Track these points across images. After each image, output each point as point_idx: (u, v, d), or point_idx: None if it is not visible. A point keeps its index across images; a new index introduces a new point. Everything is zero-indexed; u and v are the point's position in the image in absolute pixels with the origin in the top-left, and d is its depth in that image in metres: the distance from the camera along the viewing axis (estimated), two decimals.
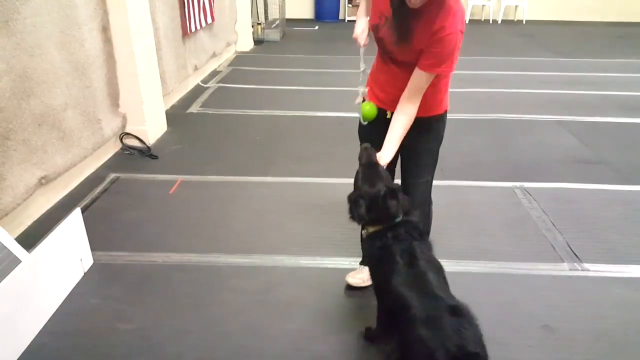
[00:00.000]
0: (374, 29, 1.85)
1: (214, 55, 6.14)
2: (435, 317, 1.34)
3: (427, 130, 1.93)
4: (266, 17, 8.86)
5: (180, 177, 3.29)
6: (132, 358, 1.82)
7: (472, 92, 5.41)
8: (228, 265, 2.37)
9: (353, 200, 1.65)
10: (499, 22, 10.74)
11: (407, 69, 1.78)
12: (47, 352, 1.84)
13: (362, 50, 1.96)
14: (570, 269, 2.39)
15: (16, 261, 1.95)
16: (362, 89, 2.02)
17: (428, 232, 2.08)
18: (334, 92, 5.40)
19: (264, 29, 8.45)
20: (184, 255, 2.43)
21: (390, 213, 1.62)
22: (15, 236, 2.43)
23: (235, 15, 7.22)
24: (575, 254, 2.49)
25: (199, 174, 3.35)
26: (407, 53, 1.76)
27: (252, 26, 8.03)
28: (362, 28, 1.91)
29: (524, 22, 10.62)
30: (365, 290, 2.15)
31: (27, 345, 1.85)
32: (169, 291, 2.19)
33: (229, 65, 6.65)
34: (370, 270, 1.75)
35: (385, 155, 1.78)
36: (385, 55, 1.88)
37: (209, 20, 5.61)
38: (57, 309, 2.04)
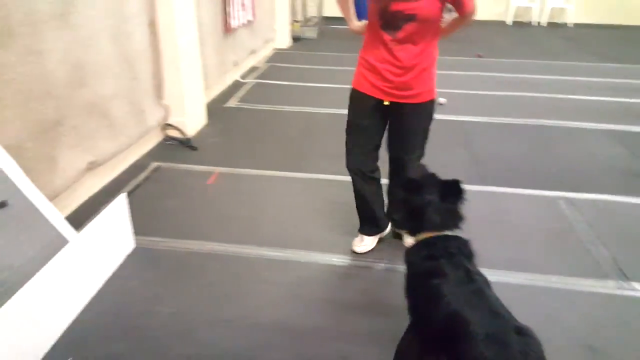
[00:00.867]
0: (382, 10, 1.99)
1: (253, 51, 6.26)
2: (499, 335, 1.21)
3: (426, 113, 2.19)
4: (304, 15, 8.94)
5: (217, 169, 3.39)
6: (168, 340, 1.91)
7: (514, 95, 5.32)
8: (261, 258, 2.44)
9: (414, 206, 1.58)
10: (544, 24, 10.46)
11: (407, 47, 2.02)
12: (89, 328, 1.95)
13: None
14: (617, 287, 2.26)
15: (64, 241, 2.08)
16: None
17: None
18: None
19: (301, 26, 8.53)
20: (219, 245, 2.52)
21: (455, 220, 1.56)
22: (64, 217, 2.57)
23: (274, 13, 7.32)
24: (622, 272, 2.36)
25: (235, 167, 3.44)
26: (428, 4, 1.93)
27: (290, 24, 8.13)
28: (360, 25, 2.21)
29: (570, 25, 10.30)
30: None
31: (71, 321, 1.97)
32: (203, 279, 2.27)
33: (267, 61, 6.76)
34: (409, 284, 1.58)
35: None
36: (389, 35, 2.02)
37: (249, 17, 5.72)
38: (100, 289, 2.16)
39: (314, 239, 2.60)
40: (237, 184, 3.22)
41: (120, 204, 2.30)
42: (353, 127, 2.29)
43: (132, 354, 1.85)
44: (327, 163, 3.54)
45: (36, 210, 2.02)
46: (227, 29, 5.06)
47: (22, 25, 2.21)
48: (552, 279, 2.32)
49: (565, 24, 10.43)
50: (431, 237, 1.54)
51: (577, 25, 10.27)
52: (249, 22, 5.77)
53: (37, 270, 1.80)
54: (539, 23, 10.53)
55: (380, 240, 2.53)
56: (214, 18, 4.64)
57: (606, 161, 3.68)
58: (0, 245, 1.81)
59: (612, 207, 3.00)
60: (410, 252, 1.60)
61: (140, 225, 2.54)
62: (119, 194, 2.92)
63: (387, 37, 2.03)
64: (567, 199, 3.06)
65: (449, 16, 2.10)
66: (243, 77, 5.84)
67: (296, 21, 8.49)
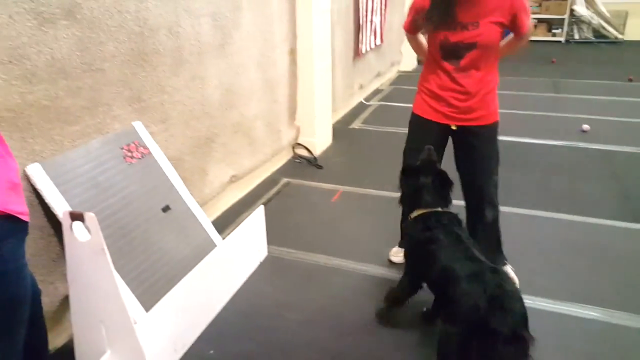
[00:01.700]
0: (442, 42, 2.07)
1: (378, 74, 6.43)
2: (477, 274, 1.55)
3: (492, 135, 2.23)
4: None
5: (341, 188, 3.55)
6: (294, 346, 2.05)
7: None
8: (383, 277, 2.50)
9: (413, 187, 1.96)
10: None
11: (470, 74, 2.08)
12: (227, 325, 2.18)
13: None
14: None
15: (212, 245, 2.35)
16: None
17: (499, 230, 2.37)
18: (502, 114, 5.19)
19: None
20: (343, 261, 2.64)
21: (446, 200, 1.93)
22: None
23: (402, 36, 7.43)
24: None
25: (358, 186, 3.56)
26: (488, 29, 1.99)
27: None
28: None
29: None
30: None
31: (213, 318, 2.21)
32: (328, 291, 2.40)
33: (391, 84, 6.87)
34: (410, 250, 2.00)
35: None
36: (452, 65, 2.09)
37: (378, 42, 5.90)
38: (237, 291, 2.39)
39: None
40: (360, 202, 3.34)
41: (258, 215, 2.54)
42: (412, 152, 2.27)
43: (262, 353, 2.02)
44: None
45: (192, 215, 2.33)
46: (357, 54, 5.29)
47: (191, 54, 2.59)
48: None
49: None
50: (425, 213, 1.89)
51: None
52: (377, 46, 5.96)
53: (191, 267, 2.07)
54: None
55: None
56: (345, 44, 4.89)
57: None
58: (165, 242, 2.12)
59: None
60: (410, 226, 1.94)
61: (272, 235, 2.75)
62: (254, 205, 3.22)
63: (449, 66, 2.10)
64: None
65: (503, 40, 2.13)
66: (367, 99, 6.02)
67: None
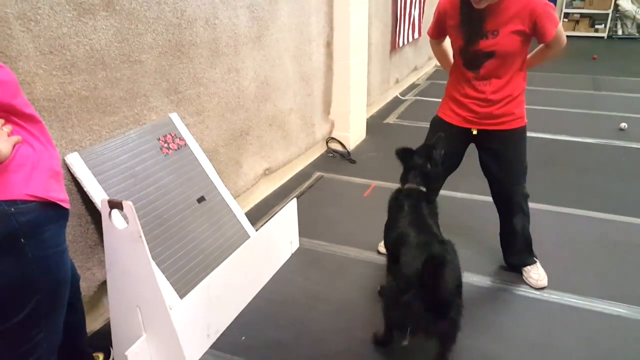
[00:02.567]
0: (462, 50, 2.07)
1: (415, 69, 6.32)
2: (426, 243, 1.73)
3: (517, 140, 2.19)
4: None
5: (374, 182, 3.51)
6: (325, 335, 2.05)
7: None
8: None
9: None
10: None
11: (491, 82, 2.07)
12: (259, 313, 2.19)
13: None
14: None
15: (245, 235, 2.37)
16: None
17: (528, 232, 2.35)
18: (540, 111, 5.06)
19: None
20: (373, 254, 2.61)
21: (427, 181, 2.04)
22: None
23: None
24: None
25: (391, 181, 3.48)
26: (506, 38, 1.96)
27: None
28: None
29: None
30: None
31: (246, 304, 2.23)
32: (359, 283, 2.38)
33: (428, 79, 6.75)
34: (388, 215, 2.10)
35: None
36: (472, 73, 2.09)
37: (416, 35, 5.79)
38: (269, 280, 2.40)
39: (465, 256, 2.54)
40: None
41: (291, 207, 2.54)
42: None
43: (293, 342, 2.02)
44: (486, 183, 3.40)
45: (226, 206, 2.35)
46: (395, 48, 5.21)
47: (227, 46, 2.61)
48: None
49: None
50: (407, 188, 2.04)
51: None
52: (415, 39, 5.85)
53: (224, 257, 2.09)
54: None
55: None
56: (382, 37, 4.83)
57: None
58: (199, 232, 2.15)
59: None
60: (391, 196, 2.12)
61: (304, 228, 2.75)
62: (287, 198, 3.23)
63: (470, 74, 2.10)
64: None
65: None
66: (403, 94, 5.93)
67: None
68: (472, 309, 2.18)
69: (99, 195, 1.80)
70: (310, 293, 2.32)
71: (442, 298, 1.56)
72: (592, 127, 4.57)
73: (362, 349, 1.97)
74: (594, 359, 1.93)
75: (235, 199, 2.52)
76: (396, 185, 3.48)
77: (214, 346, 2.00)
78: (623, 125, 4.49)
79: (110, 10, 1.87)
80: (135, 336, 1.66)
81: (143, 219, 1.92)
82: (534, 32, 1.96)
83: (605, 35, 9.93)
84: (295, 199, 2.63)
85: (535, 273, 2.34)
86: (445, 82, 2.33)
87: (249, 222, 2.44)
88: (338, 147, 4.13)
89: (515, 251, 2.39)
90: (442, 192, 3.27)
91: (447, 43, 2.29)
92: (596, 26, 9.99)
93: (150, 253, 1.79)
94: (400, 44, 5.34)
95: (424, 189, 2.02)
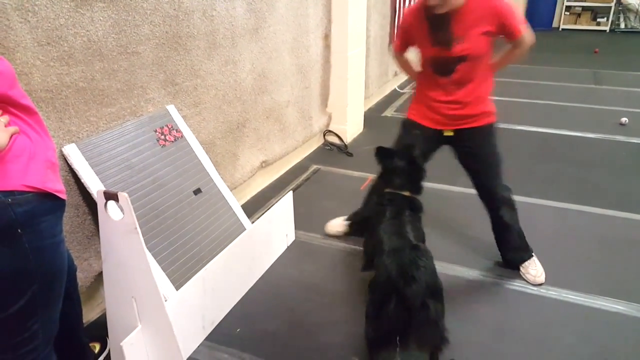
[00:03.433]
0: (432, 59, 2.09)
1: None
2: (397, 249, 1.72)
3: (489, 135, 2.22)
4: None
5: (370, 176, 3.51)
6: (319, 327, 2.08)
7: None
8: None
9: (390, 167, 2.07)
10: None
11: (463, 86, 2.09)
12: (254, 305, 2.21)
13: None
14: None
15: (241, 228, 2.38)
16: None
17: (518, 225, 2.35)
18: (540, 105, 5.07)
19: None
20: None
21: (415, 185, 2.04)
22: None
23: None
24: None
25: None
26: (475, 40, 1.98)
27: None
28: None
29: None
30: None
31: (241, 296, 2.25)
32: (354, 276, 2.40)
33: None
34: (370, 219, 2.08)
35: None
36: (444, 78, 2.10)
37: None
38: (265, 272, 2.42)
39: (463, 253, 2.56)
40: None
41: (287, 200, 2.55)
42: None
43: (287, 334, 2.04)
44: None
45: (223, 198, 2.36)
46: (392, 40, 5.20)
47: (224, 38, 2.60)
48: None
49: None
50: (390, 192, 2.02)
51: None
52: None
53: (220, 249, 2.10)
54: None
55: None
56: (381, 30, 4.81)
57: None
58: (195, 224, 2.16)
59: None
60: (375, 201, 2.11)
61: (300, 221, 2.77)
62: (283, 191, 3.23)
63: (442, 80, 2.11)
64: None
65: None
66: (401, 87, 5.93)
67: None
68: (470, 304, 2.23)
69: (95, 187, 1.80)
70: (305, 285, 2.34)
71: (415, 303, 1.56)
72: (592, 122, 4.57)
73: (356, 341, 1.98)
74: (592, 355, 1.94)
75: (231, 191, 2.53)
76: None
77: (209, 338, 2.02)
78: (624, 120, 4.49)
79: (107, 2, 1.87)
80: (130, 327, 1.68)
81: (139, 211, 1.93)
82: (502, 32, 2.00)
83: (607, 28, 9.89)
84: (291, 191, 2.65)
85: (533, 269, 2.36)
86: None
87: (245, 215, 2.45)
88: (335, 140, 4.14)
89: (510, 248, 2.41)
90: (438, 186, 3.34)
91: (409, 52, 2.34)
92: (598, 19, 9.94)
93: (146, 244, 1.80)
94: None
95: (407, 194, 2.02)
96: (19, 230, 1.16)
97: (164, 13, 2.15)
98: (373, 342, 1.73)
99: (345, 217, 2.78)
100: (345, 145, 4.08)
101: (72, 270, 1.60)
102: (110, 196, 1.52)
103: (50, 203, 1.25)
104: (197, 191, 2.26)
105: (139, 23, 2.03)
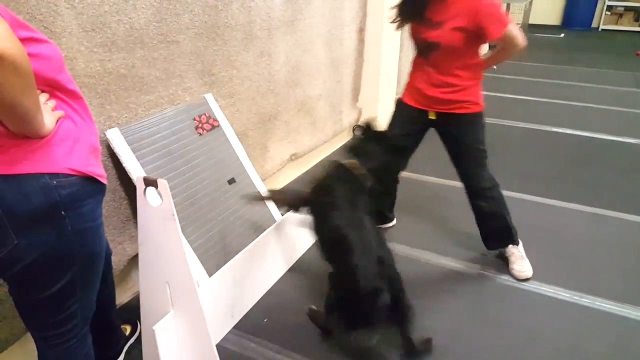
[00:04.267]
0: (414, 38, 2.14)
1: None
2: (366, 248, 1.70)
3: (473, 124, 2.23)
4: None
5: (401, 173, 3.47)
6: None
7: None
8: (438, 265, 2.46)
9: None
10: None
11: (441, 70, 2.10)
12: (282, 297, 2.22)
13: None
14: None
15: (272, 219, 2.39)
16: None
17: (503, 216, 2.34)
18: (575, 107, 4.92)
19: None
20: (396, 244, 2.61)
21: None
22: None
23: None
24: None
25: (417, 172, 3.48)
26: (448, 33, 1.98)
27: None
28: None
29: None
30: None
31: (270, 287, 2.27)
32: None
33: None
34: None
35: None
36: (424, 60, 2.14)
37: None
38: (293, 264, 2.43)
39: (472, 250, 2.51)
40: (420, 189, 3.27)
41: None
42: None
43: (313, 327, 2.03)
44: (517, 181, 3.35)
45: (255, 188, 2.37)
46: None
47: (261, 29, 2.60)
48: None
49: None
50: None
51: None
52: None
53: (251, 240, 2.11)
54: None
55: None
56: None
57: None
58: (229, 213, 2.17)
59: None
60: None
61: None
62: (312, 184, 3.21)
63: (423, 61, 2.17)
64: None
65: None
66: None
67: None
68: (457, 294, 2.24)
69: (136, 172, 1.83)
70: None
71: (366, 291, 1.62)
72: (632, 127, 4.42)
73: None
74: (578, 351, 1.93)
75: (262, 182, 2.53)
76: (424, 178, 3.50)
77: (237, 326, 2.04)
78: None
79: None
80: (163, 311, 1.70)
81: (176, 198, 1.95)
82: (477, 31, 1.96)
83: None
84: None
85: (519, 265, 2.36)
86: None
87: (275, 206, 2.45)
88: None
89: (490, 236, 2.43)
90: (423, 177, 3.30)
91: None
92: None
93: (183, 232, 1.82)
94: None
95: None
96: (63, 212, 1.18)
97: (203, 2, 2.16)
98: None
99: None
100: None
101: (108, 253, 1.63)
102: (150, 182, 1.54)
103: (92, 187, 1.27)
104: (232, 181, 2.27)
105: (180, 12, 2.05)
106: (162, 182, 1.48)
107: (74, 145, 1.22)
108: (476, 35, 1.99)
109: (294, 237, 2.42)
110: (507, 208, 2.36)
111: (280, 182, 3.23)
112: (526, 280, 2.33)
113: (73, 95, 1.26)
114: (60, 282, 1.24)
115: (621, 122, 4.57)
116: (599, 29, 9.73)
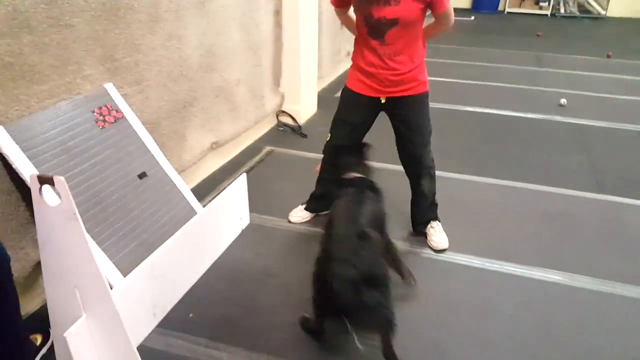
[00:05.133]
0: (366, 18, 2.06)
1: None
2: (345, 237, 1.76)
3: (422, 104, 2.27)
4: None
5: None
6: (273, 309, 2.05)
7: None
8: None
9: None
10: None
11: (395, 50, 2.09)
12: (208, 291, 2.15)
13: None
14: None
15: (192, 212, 2.30)
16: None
17: (434, 194, 2.48)
18: (484, 87, 5.20)
19: None
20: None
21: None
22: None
23: None
24: None
25: None
26: (409, 6, 1.98)
27: None
28: None
29: None
30: None
31: (194, 282, 2.18)
32: (310, 258, 2.35)
33: None
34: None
35: None
36: (377, 41, 2.09)
37: None
38: (219, 258, 2.35)
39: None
40: None
41: (240, 183, 2.48)
42: (340, 123, 2.42)
43: (242, 317, 2.00)
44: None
45: (170, 181, 2.26)
46: None
47: (167, 11, 2.46)
48: None
49: None
50: (350, 176, 2.08)
51: None
52: None
53: (170, 234, 2.02)
54: None
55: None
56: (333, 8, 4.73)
57: None
58: (142, 209, 2.06)
59: None
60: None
61: (254, 204, 2.70)
62: (235, 173, 3.16)
63: (374, 42, 2.11)
64: None
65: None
66: None
67: None
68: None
69: (28, 172, 1.67)
70: (260, 269, 2.29)
71: (343, 293, 1.60)
72: (534, 103, 4.75)
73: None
74: (532, 322, 2.03)
75: (180, 174, 2.43)
76: None
77: (161, 324, 1.95)
78: (563, 101, 4.70)
79: None
80: (74, 317, 1.58)
81: (79, 197, 1.81)
82: (431, 4, 2.02)
83: (548, 13, 10.31)
84: (244, 173, 2.57)
85: (437, 237, 2.47)
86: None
87: (195, 199, 2.36)
88: (289, 121, 4.07)
89: (423, 215, 2.52)
90: (384, 165, 3.36)
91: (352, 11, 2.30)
92: (540, 3, 10.36)
93: (89, 232, 1.70)
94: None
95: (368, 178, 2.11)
96: None
97: None
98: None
99: (304, 204, 2.74)
100: (299, 126, 4.03)
101: (5, 260, 1.48)
102: (45, 180, 1.40)
103: None
104: (142, 175, 2.15)
105: None
106: (59, 179, 1.35)
107: None
108: (426, 8, 2.02)
109: (218, 228, 2.35)
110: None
111: (202, 173, 3.12)
112: (443, 251, 2.44)
113: None
114: None
115: (524, 99, 4.90)
116: (505, 12, 10.36)
